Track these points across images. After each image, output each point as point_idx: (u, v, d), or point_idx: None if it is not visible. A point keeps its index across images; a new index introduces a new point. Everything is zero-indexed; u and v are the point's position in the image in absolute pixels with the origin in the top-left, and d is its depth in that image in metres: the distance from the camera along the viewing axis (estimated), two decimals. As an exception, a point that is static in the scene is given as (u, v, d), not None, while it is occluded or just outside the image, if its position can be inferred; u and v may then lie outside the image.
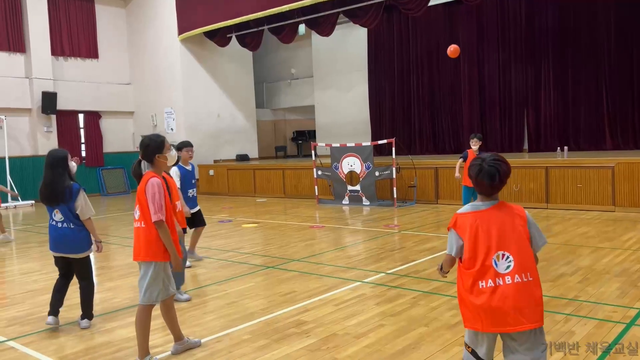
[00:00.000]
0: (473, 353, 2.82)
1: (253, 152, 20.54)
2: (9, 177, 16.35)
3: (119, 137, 20.00)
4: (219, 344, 4.49)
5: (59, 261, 5.00)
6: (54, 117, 17.83)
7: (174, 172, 6.68)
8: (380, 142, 13.71)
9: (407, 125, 18.40)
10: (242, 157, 19.65)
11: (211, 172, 17.92)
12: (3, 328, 5.04)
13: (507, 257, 2.65)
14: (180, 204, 5.84)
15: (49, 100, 17.35)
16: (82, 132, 19.13)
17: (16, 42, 17.25)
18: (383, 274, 6.49)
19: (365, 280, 6.23)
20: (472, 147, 9.02)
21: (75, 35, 18.67)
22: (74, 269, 4.98)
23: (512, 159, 12.17)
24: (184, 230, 6.10)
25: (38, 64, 17.47)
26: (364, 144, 13.22)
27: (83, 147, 19.17)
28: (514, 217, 2.73)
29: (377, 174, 12.82)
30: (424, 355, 4.02)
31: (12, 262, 8.43)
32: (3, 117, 16.55)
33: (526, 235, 2.71)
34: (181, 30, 18.14)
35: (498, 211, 2.73)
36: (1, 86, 16.70)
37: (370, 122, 19.27)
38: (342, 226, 10.52)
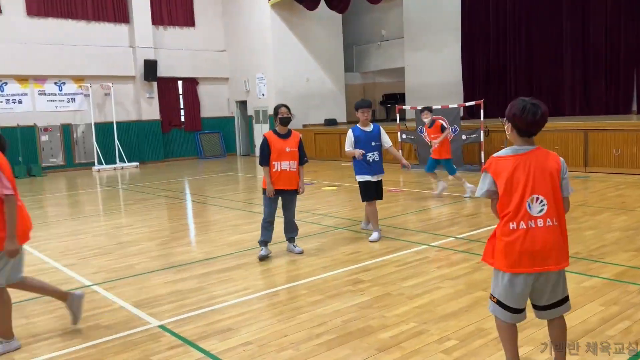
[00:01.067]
0: (499, 303, 2.84)
1: (341, 117, 20.59)
2: (116, 140, 17.74)
3: (215, 103, 20.89)
4: (276, 297, 4.70)
5: None
6: (155, 83, 18.95)
7: (348, 134, 6.32)
8: (467, 103, 13.19)
9: (502, 88, 17.47)
10: (330, 122, 19.78)
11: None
12: (91, 274, 5.59)
13: (541, 201, 2.70)
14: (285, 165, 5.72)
15: (150, 68, 18.45)
16: (181, 98, 20.20)
17: (120, 13, 18.41)
18: (452, 239, 6.37)
19: (433, 244, 6.15)
20: (424, 120, 9.44)
21: (173, 5, 19.56)
22: None
23: (618, 122, 11.28)
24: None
25: (140, 34, 18.57)
26: (450, 105, 12.79)
27: (182, 112, 20.27)
28: (551, 162, 2.75)
29: (464, 137, 12.40)
30: (475, 318, 3.95)
31: (110, 217, 9.23)
32: (110, 84, 17.87)
33: (558, 181, 2.75)
34: (272, -5, 18.36)
35: (536, 156, 2.74)
36: (108, 56, 17.99)
37: (462, 85, 18.53)
38: (422, 190, 10.36)
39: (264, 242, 5.92)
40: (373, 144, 6.29)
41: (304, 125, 19.23)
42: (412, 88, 20.30)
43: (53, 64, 17.03)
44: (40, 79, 17.08)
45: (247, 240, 6.74)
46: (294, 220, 6.04)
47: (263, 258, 5.82)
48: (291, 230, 6.07)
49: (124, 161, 17.83)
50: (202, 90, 20.57)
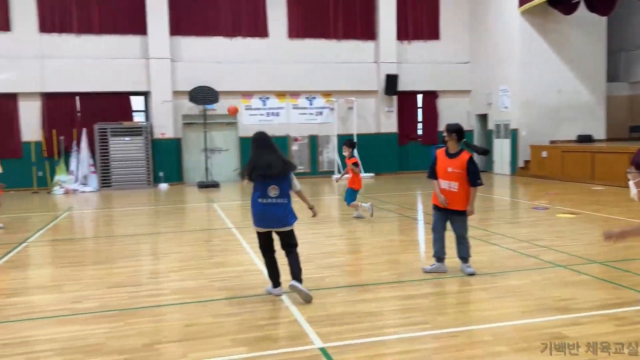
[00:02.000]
0: None
1: (598, 132, 17.96)
2: (355, 152, 18.56)
3: (455, 116, 20.30)
4: (453, 339, 4.14)
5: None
6: (395, 98, 19.33)
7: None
8: None
9: None
10: (585, 138, 17.42)
11: (544, 153, 16.51)
12: (285, 282, 5.77)
13: None
14: None
15: (391, 83, 18.88)
16: (419, 111, 20.20)
17: (368, 30, 19.27)
18: None
19: (681, 302, 4.76)
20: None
21: (419, 19, 19.70)
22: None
23: None
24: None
25: (385, 49, 19.14)
26: None
27: (420, 125, 20.25)
28: None
29: None
30: None
31: (328, 226, 9.57)
32: (354, 99, 18.84)
33: None
34: (522, 1, 17.04)
35: None
36: (354, 71, 19.00)
37: None
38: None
39: (436, 256, 5.94)
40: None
41: (552, 142, 17.33)
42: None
43: (306, 80, 18.71)
44: (295, 94, 18.94)
45: (449, 266, 6.20)
46: (464, 241, 5.86)
47: (427, 271, 5.88)
48: (459, 250, 5.93)
49: (361, 172, 18.56)
50: (442, 103, 20.23)
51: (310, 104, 19.09)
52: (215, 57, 17.87)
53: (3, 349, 4.11)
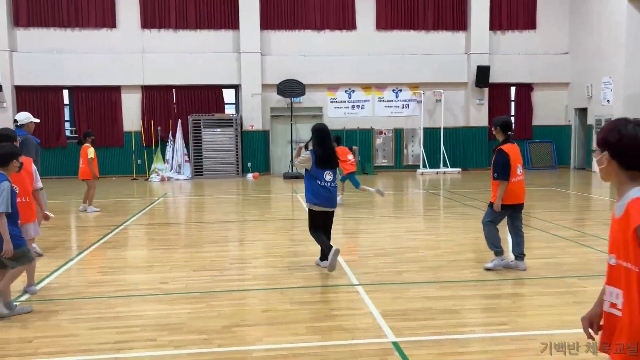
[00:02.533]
0: None
1: None
2: (442, 146, 18.18)
3: (550, 110, 19.30)
4: (531, 342, 3.95)
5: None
6: (486, 90, 18.64)
7: None
8: None
9: None
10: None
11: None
12: (362, 274, 5.80)
13: None
14: None
15: (482, 74, 18.22)
16: (512, 104, 19.35)
17: (459, 21, 18.70)
18: None
19: None
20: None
21: (514, 8, 18.82)
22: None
23: None
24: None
25: (476, 40, 18.49)
26: None
27: (512, 119, 19.41)
28: None
29: None
30: None
31: (408, 220, 9.45)
32: (442, 91, 18.39)
33: None
34: (631, -14, 15.79)
35: None
36: (443, 63, 18.53)
37: None
38: None
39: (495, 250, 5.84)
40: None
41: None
42: None
43: (393, 73, 18.51)
44: (381, 86, 18.80)
45: (534, 267, 5.93)
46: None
47: (488, 269, 5.78)
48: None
49: (447, 166, 18.13)
50: (537, 96, 19.24)
51: (397, 97, 18.87)
52: (303, 51, 18.14)
53: (99, 322, 4.46)
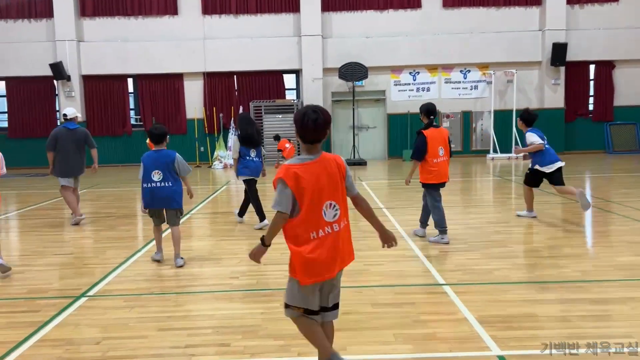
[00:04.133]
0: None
1: None
2: (514, 129, 17.11)
3: (635, 89, 17.81)
4: None
5: None
6: (562, 69, 17.40)
7: None
8: None
9: None
10: None
11: None
12: (448, 271, 5.25)
13: (334, 206, 2.86)
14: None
15: (559, 52, 17.00)
16: (591, 83, 17.99)
17: (533, -5, 17.50)
18: None
19: None
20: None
21: (594, -21, 17.42)
22: None
23: None
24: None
25: (552, 15, 17.26)
26: None
27: (591, 100, 18.06)
28: (334, 166, 2.87)
29: None
30: None
31: (487, 210, 8.75)
32: (514, 70, 17.29)
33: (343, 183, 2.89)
34: None
35: (322, 162, 2.86)
36: (514, 41, 17.43)
37: None
38: None
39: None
40: None
41: None
42: None
43: (461, 53, 17.57)
44: (448, 67, 17.90)
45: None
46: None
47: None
48: None
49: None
50: (619, 74, 17.79)
51: (465, 78, 17.94)
52: (365, 32, 17.51)
53: (167, 321, 4.15)
